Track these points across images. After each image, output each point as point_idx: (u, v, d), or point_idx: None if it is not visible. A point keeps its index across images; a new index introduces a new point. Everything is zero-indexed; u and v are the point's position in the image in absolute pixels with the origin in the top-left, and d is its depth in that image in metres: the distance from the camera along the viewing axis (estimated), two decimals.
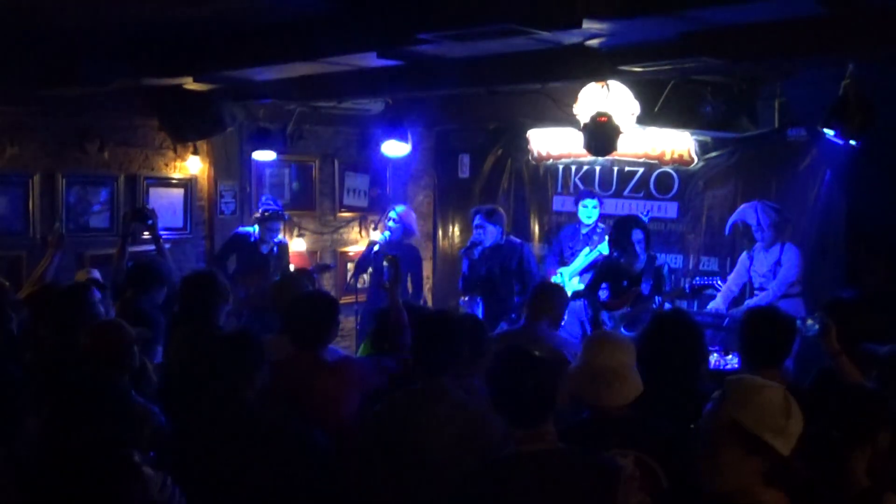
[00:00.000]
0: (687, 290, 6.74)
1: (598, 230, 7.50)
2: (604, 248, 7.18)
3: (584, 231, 7.60)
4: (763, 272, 6.86)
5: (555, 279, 7.48)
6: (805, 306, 6.43)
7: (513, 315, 6.41)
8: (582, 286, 7.47)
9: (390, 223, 7.72)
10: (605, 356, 3.34)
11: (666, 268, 6.45)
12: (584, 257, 7.49)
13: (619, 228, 6.63)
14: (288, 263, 7.83)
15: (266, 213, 7.66)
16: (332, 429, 3.83)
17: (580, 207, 7.57)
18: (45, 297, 5.06)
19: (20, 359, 4.53)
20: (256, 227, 7.71)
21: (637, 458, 3.10)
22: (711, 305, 7.07)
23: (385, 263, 4.81)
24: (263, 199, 8.01)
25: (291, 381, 3.97)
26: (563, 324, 7.36)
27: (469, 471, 3.07)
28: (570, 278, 7.51)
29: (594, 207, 7.53)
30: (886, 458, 2.97)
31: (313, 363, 4.12)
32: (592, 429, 3.25)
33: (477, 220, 7.14)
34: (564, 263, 7.62)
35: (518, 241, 7.32)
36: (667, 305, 6.26)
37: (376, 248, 7.65)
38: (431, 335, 3.66)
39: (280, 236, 8.03)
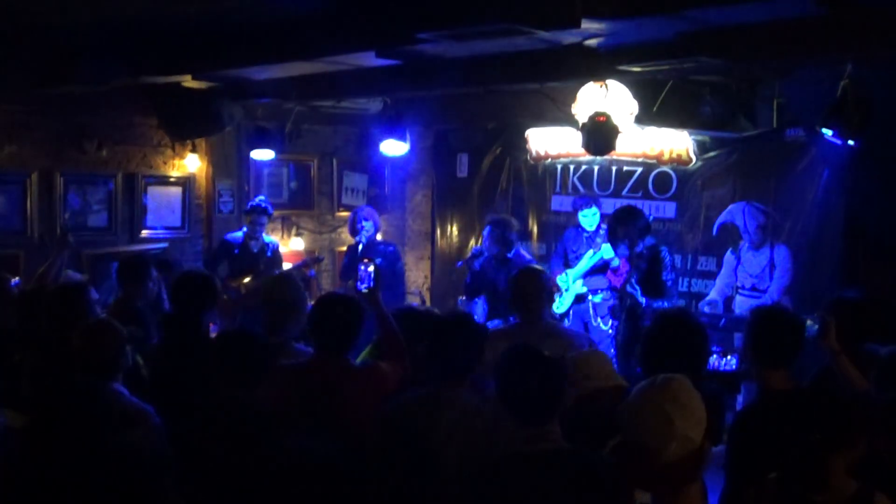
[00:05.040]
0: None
1: (601, 232, 7.50)
2: (607, 252, 7.12)
3: (585, 234, 7.59)
4: (755, 273, 6.86)
5: (560, 279, 7.47)
6: (793, 307, 6.42)
7: (511, 318, 6.35)
8: (585, 289, 7.47)
9: (365, 223, 7.69)
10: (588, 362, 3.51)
11: (666, 257, 6.28)
12: (587, 260, 7.48)
13: (608, 225, 6.55)
14: (280, 265, 7.84)
15: (251, 207, 7.80)
16: (357, 436, 3.74)
17: (580, 217, 7.53)
18: (38, 296, 5.05)
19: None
20: (245, 225, 7.83)
21: None
22: (706, 303, 7.04)
23: (364, 268, 4.59)
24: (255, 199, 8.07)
25: (316, 388, 3.87)
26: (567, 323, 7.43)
27: (471, 470, 3.06)
28: (573, 281, 7.51)
29: (594, 215, 7.51)
30: (870, 458, 3.00)
31: (341, 369, 3.99)
32: (604, 420, 3.25)
33: (486, 232, 7.07)
34: (568, 266, 7.61)
35: (528, 257, 7.26)
36: (630, 289, 6.15)
37: (360, 246, 7.64)
38: (450, 340, 3.61)
39: (272, 238, 8.06)
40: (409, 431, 3.44)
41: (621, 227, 6.24)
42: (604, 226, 7.52)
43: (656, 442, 2.50)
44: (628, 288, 6.09)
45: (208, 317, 4.93)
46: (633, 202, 7.99)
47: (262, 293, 4.86)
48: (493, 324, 6.86)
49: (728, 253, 7.08)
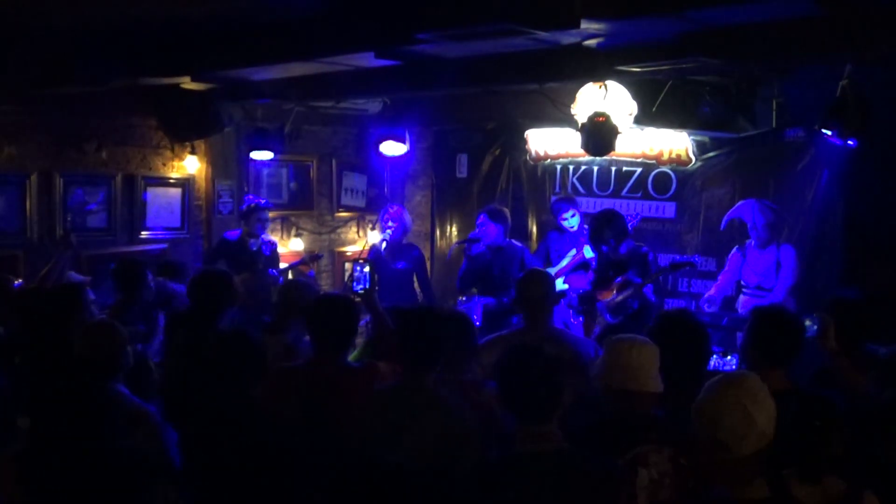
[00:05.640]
0: (667, 265, 6.63)
1: (584, 232, 7.52)
2: (588, 251, 7.20)
3: (570, 233, 7.61)
4: (760, 271, 6.85)
5: None
6: (797, 306, 6.43)
7: (514, 319, 6.39)
8: (567, 286, 7.49)
9: (391, 224, 7.72)
10: (634, 357, 3.37)
11: (650, 255, 6.45)
12: (568, 258, 7.51)
13: (591, 227, 6.71)
14: (278, 264, 7.84)
15: (249, 207, 7.78)
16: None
17: (561, 222, 7.59)
18: (36, 297, 5.06)
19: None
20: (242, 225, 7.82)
21: (672, 455, 3.10)
22: (705, 300, 7.04)
23: (360, 269, 4.60)
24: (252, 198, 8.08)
25: (315, 388, 3.90)
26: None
27: (471, 471, 3.07)
28: (555, 279, 7.52)
29: (573, 216, 7.55)
30: (861, 459, 3.01)
31: (337, 369, 4.02)
32: (626, 425, 3.26)
33: (480, 218, 7.17)
34: (550, 264, 7.63)
35: (519, 245, 7.32)
36: (649, 287, 6.32)
37: (383, 245, 7.65)
38: (413, 332, 3.65)
39: (271, 237, 8.07)
40: (378, 423, 3.47)
41: (604, 229, 6.39)
42: (586, 226, 7.55)
43: (736, 438, 2.55)
44: (644, 289, 6.22)
45: (226, 315, 4.93)
46: (632, 203, 8.02)
47: (280, 295, 4.92)
48: (486, 300, 6.93)
49: (734, 250, 7.07)
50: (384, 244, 7.65)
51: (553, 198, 8.44)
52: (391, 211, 7.83)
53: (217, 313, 4.79)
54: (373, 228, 9.05)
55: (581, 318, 6.78)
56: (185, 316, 5.01)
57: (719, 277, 7.16)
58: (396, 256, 7.57)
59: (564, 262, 7.52)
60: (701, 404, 2.65)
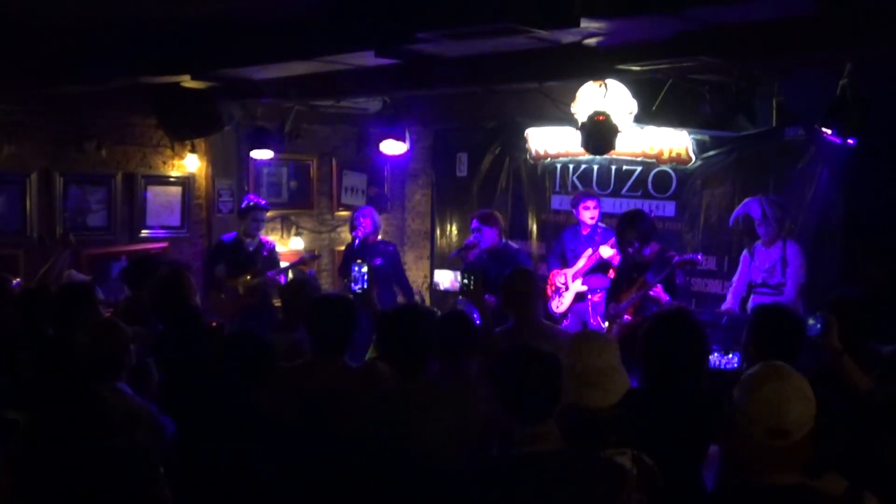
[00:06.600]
0: (674, 262, 6.57)
1: (599, 231, 7.52)
2: (605, 251, 7.19)
3: (585, 232, 7.60)
4: (766, 268, 6.84)
5: (558, 280, 7.51)
6: (804, 305, 6.43)
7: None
8: (585, 288, 7.48)
9: (362, 220, 7.71)
10: (590, 357, 3.29)
11: (675, 258, 6.42)
12: (585, 259, 7.50)
13: (617, 227, 6.70)
14: (278, 265, 7.85)
15: (248, 205, 7.78)
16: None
17: (582, 210, 7.55)
18: (39, 295, 5.06)
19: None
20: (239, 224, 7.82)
21: (634, 455, 3.09)
22: (725, 311, 7.05)
23: (357, 269, 4.61)
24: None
25: (314, 389, 3.89)
26: (566, 323, 7.44)
27: (471, 473, 3.06)
28: (572, 280, 7.52)
29: (595, 207, 7.53)
30: (863, 458, 3.01)
31: (337, 369, 4.02)
32: (587, 428, 3.24)
33: (474, 224, 7.18)
34: (566, 265, 7.62)
35: (515, 247, 7.32)
36: (658, 289, 6.28)
37: (356, 241, 7.68)
38: (395, 332, 3.66)
39: (270, 238, 8.07)
40: (385, 427, 3.52)
41: (627, 229, 6.37)
42: (602, 224, 7.55)
43: (799, 425, 2.54)
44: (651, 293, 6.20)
45: (192, 310, 4.95)
46: (632, 202, 8.01)
47: (284, 293, 4.92)
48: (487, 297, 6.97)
49: (744, 253, 7.06)
50: (356, 240, 7.66)
51: (562, 196, 8.43)
52: (361, 210, 7.86)
53: (183, 308, 4.84)
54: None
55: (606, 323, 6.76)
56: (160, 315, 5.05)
57: (733, 281, 7.15)
58: (371, 254, 7.53)
59: (581, 263, 7.50)
60: (758, 396, 2.58)
